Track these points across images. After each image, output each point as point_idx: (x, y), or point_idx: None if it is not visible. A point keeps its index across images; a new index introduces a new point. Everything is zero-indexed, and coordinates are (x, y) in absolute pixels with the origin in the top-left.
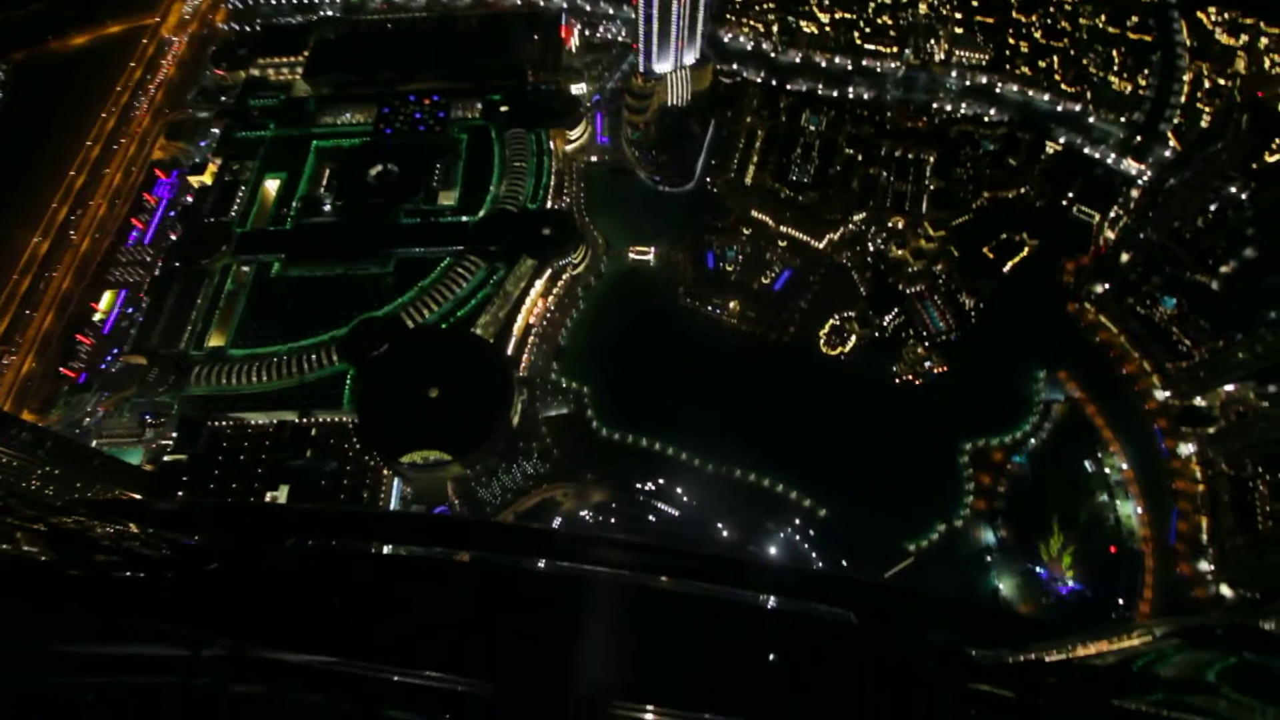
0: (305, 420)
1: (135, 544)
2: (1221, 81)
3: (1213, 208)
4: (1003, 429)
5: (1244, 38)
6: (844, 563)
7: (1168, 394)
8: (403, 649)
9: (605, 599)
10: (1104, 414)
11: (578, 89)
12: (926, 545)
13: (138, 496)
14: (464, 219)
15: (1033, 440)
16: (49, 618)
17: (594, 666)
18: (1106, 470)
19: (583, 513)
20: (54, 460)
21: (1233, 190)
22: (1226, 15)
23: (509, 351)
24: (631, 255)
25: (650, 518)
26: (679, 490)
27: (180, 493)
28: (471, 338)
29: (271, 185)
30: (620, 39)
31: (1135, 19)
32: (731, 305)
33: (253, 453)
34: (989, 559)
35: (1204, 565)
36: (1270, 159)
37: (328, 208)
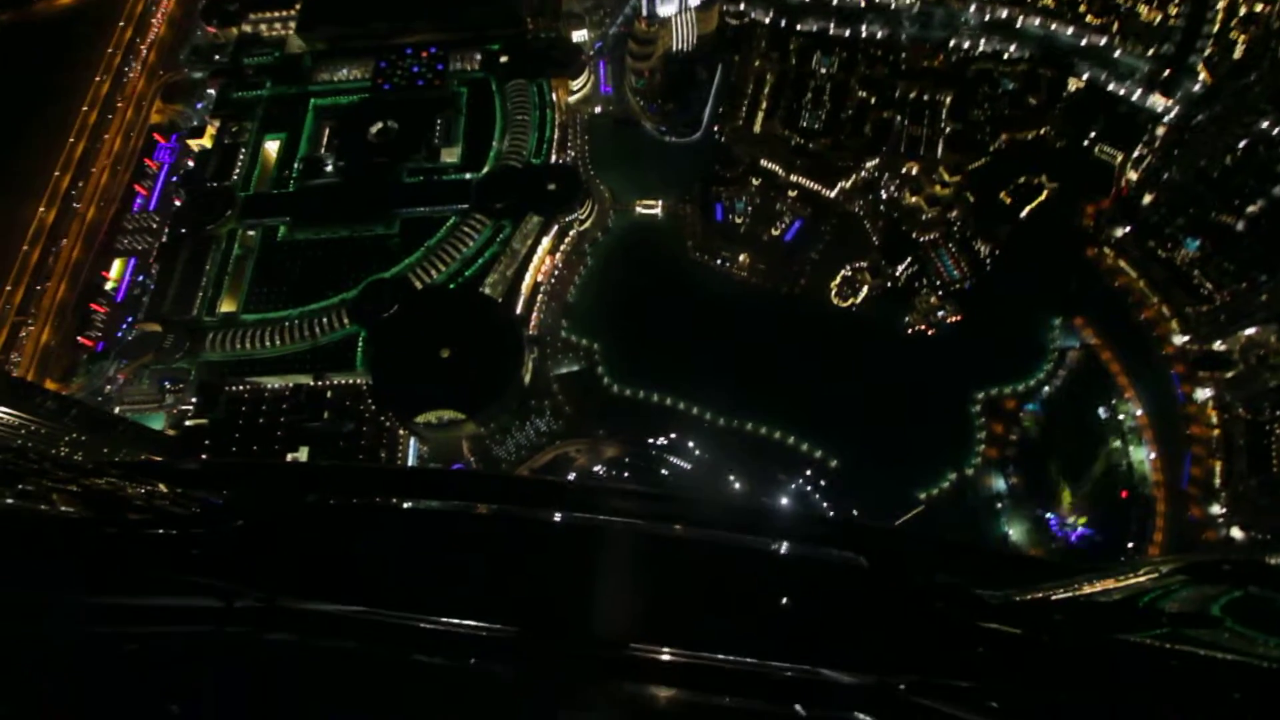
0: (320, 383)
1: (165, 503)
2: (1259, 8)
3: (1242, 145)
4: (1017, 377)
5: None
6: (855, 512)
7: (1186, 338)
8: (427, 598)
9: (620, 547)
10: (1120, 360)
11: (579, 36)
12: (937, 493)
13: (163, 459)
14: (467, 176)
15: (1046, 388)
16: (90, 572)
17: (612, 611)
18: (1120, 416)
19: (596, 468)
20: (80, 427)
21: (1264, 125)
22: None
23: (518, 310)
24: (638, 209)
25: (663, 471)
26: (690, 444)
27: (204, 455)
28: (480, 297)
29: (272, 147)
30: None
31: None
32: (741, 258)
33: (271, 416)
34: (999, 506)
35: (1216, 509)
36: None
37: (330, 168)
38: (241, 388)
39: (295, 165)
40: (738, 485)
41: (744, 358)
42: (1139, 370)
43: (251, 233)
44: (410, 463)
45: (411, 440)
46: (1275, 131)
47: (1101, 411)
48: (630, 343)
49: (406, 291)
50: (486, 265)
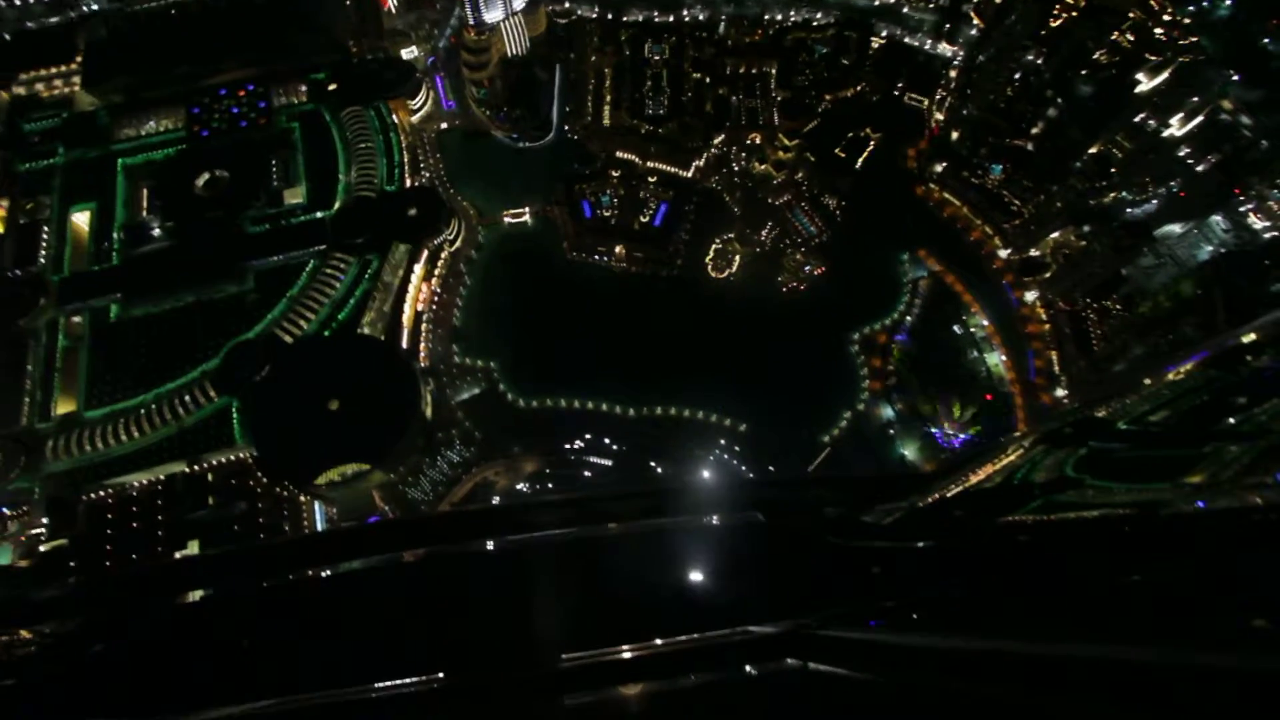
0: (197, 468)
1: (21, 648)
2: None
3: (1016, 77)
4: (882, 313)
5: None
6: (770, 468)
7: (1008, 251)
8: (343, 669)
9: (528, 563)
10: (962, 280)
11: (408, 53)
12: (838, 434)
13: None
14: (319, 215)
15: (908, 318)
16: None
17: (535, 629)
18: (973, 329)
19: (519, 486)
20: None
21: (1030, 58)
22: None
23: (404, 344)
24: (507, 219)
25: (586, 474)
26: (607, 440)
27: (69, 579)
28: (361, 339)
29: (81, 219)
30: None
31: None
32: (617, 249)
33: (145, 517)
34: (892, 432)
35: (1060, 392)
36: (1054, 24)
37: (157, 232)
38: (102, 494)
39: (115, 235)
40: (660, 469)
41: (639, 345)
42: (978, 286)
43: (77, 319)
44: (318, 528)
45: (316, 504)
46: (1039, 62)
47: (956, 328)
48: (526, 354)
49: (276, 348)
50: (360, 304)
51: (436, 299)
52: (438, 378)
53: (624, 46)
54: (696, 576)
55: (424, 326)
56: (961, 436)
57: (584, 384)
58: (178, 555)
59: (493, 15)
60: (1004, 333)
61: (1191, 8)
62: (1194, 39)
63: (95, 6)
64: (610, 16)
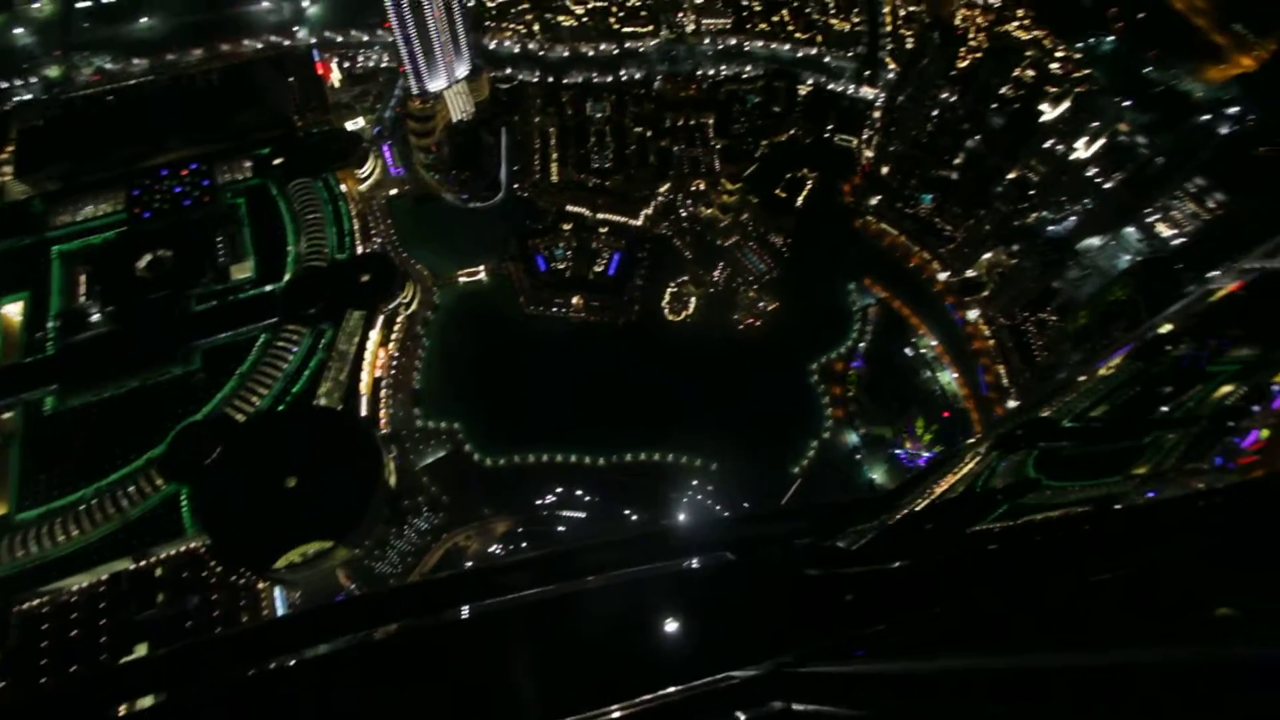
0: (144, 563)
1: None
2: (914, 8)
3: (935, 114)
4: (837, 341)
5: None
6: (745, 504)
7: (947, 273)
8: None
9: (507, 626)
10: (908, 304)
11: (354, 124)
12: (807, 463)
13: None
14: (268, 288)
15: (862, 344)
16: None
17: (521, 695)
18: (923, 350)
19: (491, 549)
20: None
21: (944, 96)
22: None
23: (363, 413)
24: (461, 279)
25: (560, 528)
26: (579, 492)
27: None
28: (317, 411)
29: (12, 310)
30: (385, 64)
31: None
32: (575, 301)
33: (88, 622)
34: (859, 457)
35: (1012, 403)
36: (962, 65)
37: (96, 317)
38: (37, 602)
39: (50, 324)
40: (635, 517)
41: (603, 393)
42: (924, 308)
43: (8, 414)
44: (279, 613)
45: (276, 590)
46: (953, 99)
47: (907, 350)
48: (490, 412)
49: (227, 428)
50: (315, 375)
51: (395, 363)
52: (400, 444)
53: (566, 107)
54: (673, 624)
55: (383, 392)
56: (925, 455)
57: (551, 437)
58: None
59: (437, 84)
60: (952, 351)
61: (1080, 44)
62: (1087, 71)
63: (29, 96)
64: (551, 80)
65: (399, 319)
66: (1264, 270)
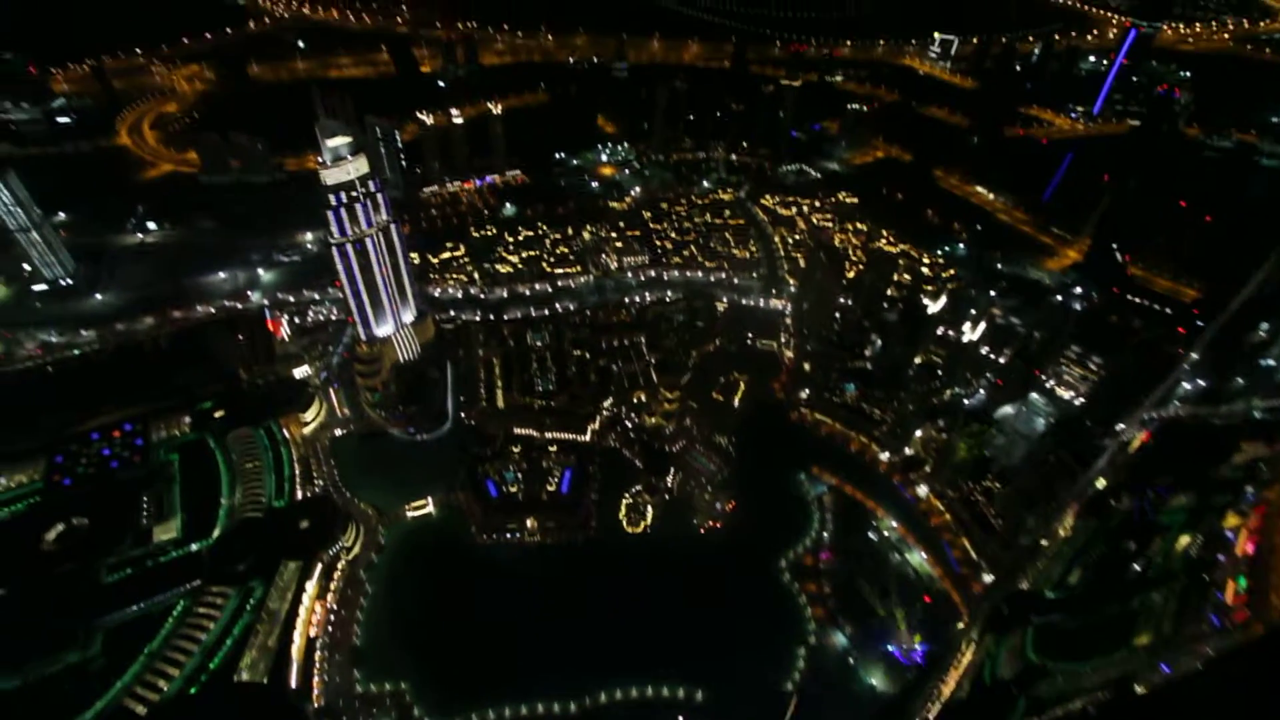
0: None
1: None
2: (797, 236)
3: (837, 315)
4: (801, 533)
5: (792, 209)
6: None
7: (887, 454)
8: None
9: None
10: (859, 488)
11: (301, 372)
12: (798, 676)
13: None
14: (194, 547)
15: (825, 534)
16: None
17: None
18: (885, 533)
19: None
20: None
21: (841, 299)
22: (775, 199)
23: (293, 683)
24: (409, 514)
25: None
26: None
27: None
28: (238, 689)
29: None
30: (335, 317)
31: (728, 212)
32: (529, 523)
33: None
34: (852, 661)
35: (988, 578)
36: (850, 274)
37: None
38: None
39: None
40: None
41: (567, 624)
42: (875, 490)
43: None
44: None
45: None
46: (849, 302)
47: (870, 535)
48: (442, 664)
49: None
50: (239, 643)
51: (333, 618)
52: (336, 717)
53: (509, 339)
54: None
55: (318, 655)
56: (919, 648)
57: (513, 686)
58: None
59: (383, 330)
60: (914, 531)
61: (939, 250)
62: (951, 270)
63: None
64: (492, 317)
65: (340, 565)
66: (1160, 419)
